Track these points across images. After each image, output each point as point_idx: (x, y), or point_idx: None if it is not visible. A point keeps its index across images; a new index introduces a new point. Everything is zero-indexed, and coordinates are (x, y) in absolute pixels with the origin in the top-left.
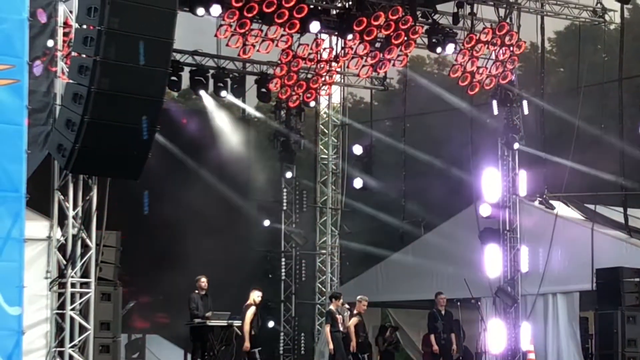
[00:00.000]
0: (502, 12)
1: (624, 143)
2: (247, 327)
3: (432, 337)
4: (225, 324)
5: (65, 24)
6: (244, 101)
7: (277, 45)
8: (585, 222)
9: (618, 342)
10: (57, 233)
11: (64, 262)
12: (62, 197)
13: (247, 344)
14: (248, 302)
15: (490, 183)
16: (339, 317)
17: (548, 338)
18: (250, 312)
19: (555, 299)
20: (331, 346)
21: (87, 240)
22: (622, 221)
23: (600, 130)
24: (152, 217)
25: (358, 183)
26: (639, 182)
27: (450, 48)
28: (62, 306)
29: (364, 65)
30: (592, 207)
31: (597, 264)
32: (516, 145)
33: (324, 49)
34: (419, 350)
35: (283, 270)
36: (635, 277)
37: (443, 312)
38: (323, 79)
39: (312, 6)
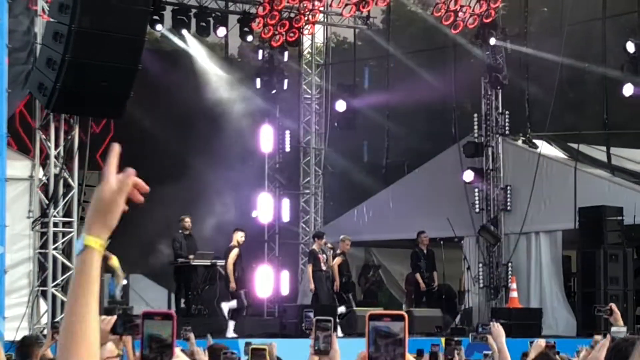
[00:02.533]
0: None
1: (607, 82)
2: (230, 268)
3: (418, 275)
4: (209, 264)
5: None
6: (226, 41)
7: None
8: (568, 160)
9: (600, 281)
10: (39, 172)
11: (46, 201)
12: (43, 136)
13: (232, 284)
14: (232, 243)
15: (474, 122)
16: (321, 256)
17: (531, 276)
18: (233, 254)
19: (538, 237)
20: (312, 285)
21: (69, 180)
22: (605, 160)
23: (583, 69)
24: (132, 158)
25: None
26: (622, 120)
27: None
28: (44, 245)
29: (347, 4)
30: (575, 145)
31: (580, 202)
32: (499, 85)
33: None
34: (402, 289)
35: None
36: (618, 216)
37: (425, 251)
38: (306, 18)
39: None
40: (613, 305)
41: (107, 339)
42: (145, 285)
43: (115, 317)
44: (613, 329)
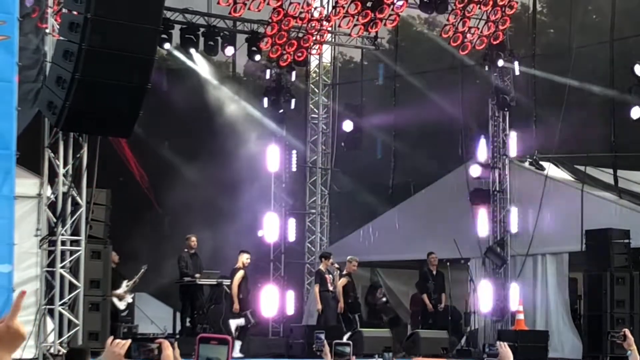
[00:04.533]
0: None
1: (614, 104)
2: (235, 290)
3: (425, 296)
4: (215, 283)
5: None
6: (234, 60)
7: (268, 4)
8: (575, 183)
9: (607, 303)
10: (48, 191)
11: (54, 219)
12: (52, 154)
13: (236, 306)
14: (237, 265)
15: (481, 144)
16: (328, 277)
17: (537, 299)
18: (238, 275)
19: (545, 259)
20: (319, 306)
21: (78, 198)
22: (612, 182)
23: (590, 91)
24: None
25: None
26: (629, 143)
27: (442, 8)
28: (52, 264)
29: (355, 25)
30: (582, 168)
31: (586, 225)
32: (507, 106)
33: (315, 8)
34: (407, 310)
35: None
36: (625, 239)
37: (434, 272)
38: (314, 38)
39: None
40: (627, 331)
41: None
42: (151, 304)
43: (129, 341)
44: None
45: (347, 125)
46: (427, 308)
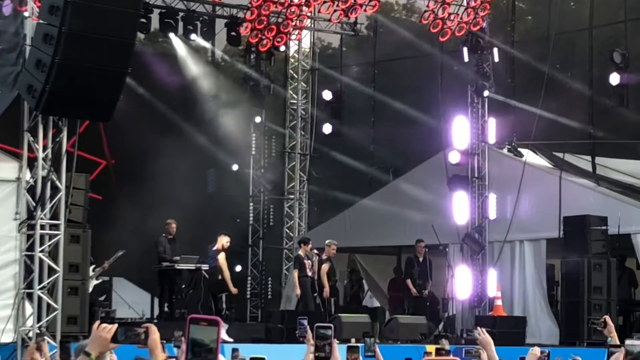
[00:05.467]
0: None
1: (592, 91)
2: (228, 273)
3: (409, 281)
4: (193, 268)
5: None
6: (213, 45)
7: None
8: (553, 170)
9: (584, 290)
10: (27, 174)
11: (33, 203)
12: (31, 138)
13: (232, 289)
14: (216, 246)
15: (460, 130)
16: (307, 262)
17: (514, 285)
18: (222, 258)
19: (523, 246)
20: (298, 291)
21: (57, 182)
22: (590, 169)
23: (568, 78)
24: (117, 159)
25: (327, 129)
26: (607, 130)
27: None
28: (31, 248)
29: (335, 10)
30: (560, 155)
31: (564, 211)
32: (486, 93)
33: None
34: (384, 295)
35: (251, 214)
36: (602, 225)
37: (421, 259)
38: (294, 23)
39: None
40: (607, 318)
41: (108, 347)
42: (129, 289)
43: (116, 325)
44: (627, 342)
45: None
46: (410, 293)
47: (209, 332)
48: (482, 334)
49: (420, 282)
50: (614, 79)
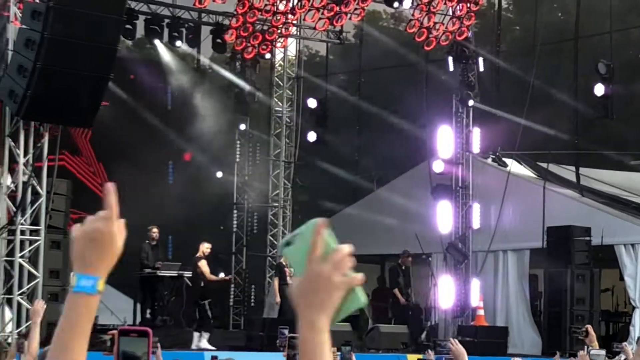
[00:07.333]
0: None
1: (578, 102)
2: (213, 277)
3: (397, 290)
4: (176, 275)
5: None
6: (198, 52)
7: None
8: (537, 180)
9: (567, 301)
10: (7, 180)
11: (14, 209)
12: (12, 143)
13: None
14: (198, 254)
15: (444, 139)
16: (288, 270)
17: (497, 295)
18: (203, 264)
19: (506, 256)
20: (278, 299)
21: (38, 188)
22: (575, 180)
23: (553, 89)
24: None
25: (312, 137)
26: (591, 141)
27: (407, 3)
28: (11, 253)
29: (320, 18)
30: (544, 165)
31: (548, 222)
32: (471, 102)
33: (281, 1)
34: (368, 304)
35: (235, 222)
36: (586, 236)
37: (404, 268)
38: (279, 31)
39: None
40: (589, 327)
41: None
42: (111, 295)
43: None
44: (593, 351)
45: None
46: (395, 302)
47: (140, 343)
48: (455, 345)
49: (406, 290)
50: (599, 90)
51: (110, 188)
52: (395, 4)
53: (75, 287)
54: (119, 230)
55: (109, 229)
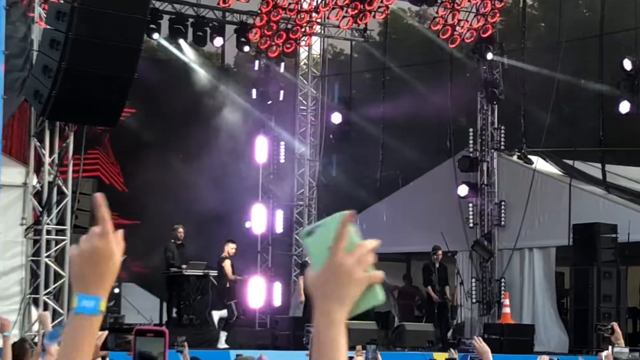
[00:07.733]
0: None
1: (603, 99)
2: (233, 277)
3: (430, 288)
4: (202, 274)
5: None
6: (223, 51)
7: None
8: (563, 177)
9: (593, 298)
10: (33, 180)
11: (40, 209)
12: (38, 143)
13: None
14: (223, 254)
15: (469, 137)
16: None
17: (524, 293)
18: (227, 264)
19: (532, 253)
20: (302, 298)
21: (63, 187)
22: (600, 177)
23: (578, 85)
24: (126, 166)
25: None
26: (617, 138)
27: (432, 1)
28: (37, 253)
29: (344, 17)
30: (570, 162)
31: (574, 219)
32: (496, 100)
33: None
34: (394, 302)
35: (261, 220)
36: (612, 233)
37: (437, 265)
38: (303, 29)
39: None
40: (615, 325)
41: (98, 354)
42: (138, 294)
43: (106, 332)
44: (616, 349)
45: (336, 118)
46: (426, 301)
47: (156, 344)
48: (479, 343)
49: (439, 288)
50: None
51: (100, 200)
52: (423, 6)
53: (77, 308)
54: (116, 244)
55: (106, 246)
